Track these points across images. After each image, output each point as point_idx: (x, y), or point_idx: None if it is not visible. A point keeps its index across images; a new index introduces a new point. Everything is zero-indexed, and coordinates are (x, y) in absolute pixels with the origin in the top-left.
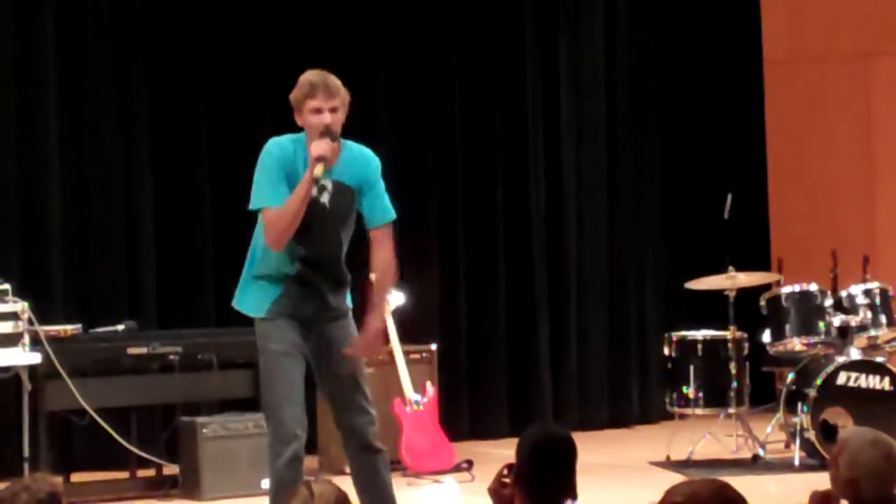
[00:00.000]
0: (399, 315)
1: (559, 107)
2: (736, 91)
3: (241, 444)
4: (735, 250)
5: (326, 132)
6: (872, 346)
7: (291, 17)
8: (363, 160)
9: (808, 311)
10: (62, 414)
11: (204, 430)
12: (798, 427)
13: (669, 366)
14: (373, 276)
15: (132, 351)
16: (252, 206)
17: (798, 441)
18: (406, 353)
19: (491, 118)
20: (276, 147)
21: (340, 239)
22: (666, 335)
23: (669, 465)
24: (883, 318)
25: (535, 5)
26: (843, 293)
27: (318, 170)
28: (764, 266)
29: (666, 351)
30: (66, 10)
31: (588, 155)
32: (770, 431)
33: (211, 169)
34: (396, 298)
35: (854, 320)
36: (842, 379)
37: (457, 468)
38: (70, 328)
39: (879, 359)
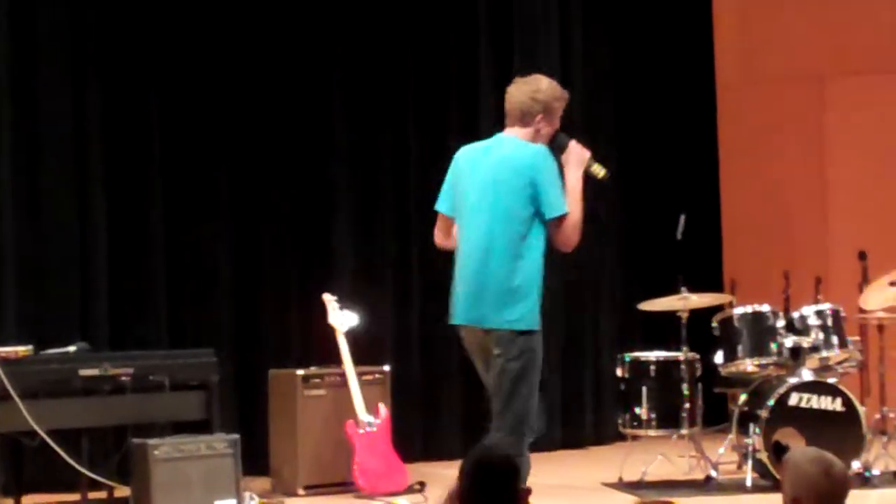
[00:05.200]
0: (352, 336)
1: None
2: (690, 113)
3: (194, 465)
4: (688, 271)
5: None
6: (824, 367)
7: (243, 34)
8: None
9: (760, 332)
10: (13, 436)
11: (156, 452)
12: (750, 448)
13: (623, 387)
14: None
15: (84, 372)
16: (562, 211)
17: (750, 462)
18: (359, 374)
19: (445, 138)
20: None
21: None
22: (619, 356)
23: (622, 486)
24: (835, 339)
25: (490, 30)
26: (796, 314)
27: (601, 169)
28: (717, 287)
29: (619, 372)
30: (18, 30)
31: None
32: (722, 452)
33: (164, 190)
34: (350, 320)
35: (806, 341)
36: (794, 400)
37: (410, 489)
38: (21, 349)
39: (831, 380)
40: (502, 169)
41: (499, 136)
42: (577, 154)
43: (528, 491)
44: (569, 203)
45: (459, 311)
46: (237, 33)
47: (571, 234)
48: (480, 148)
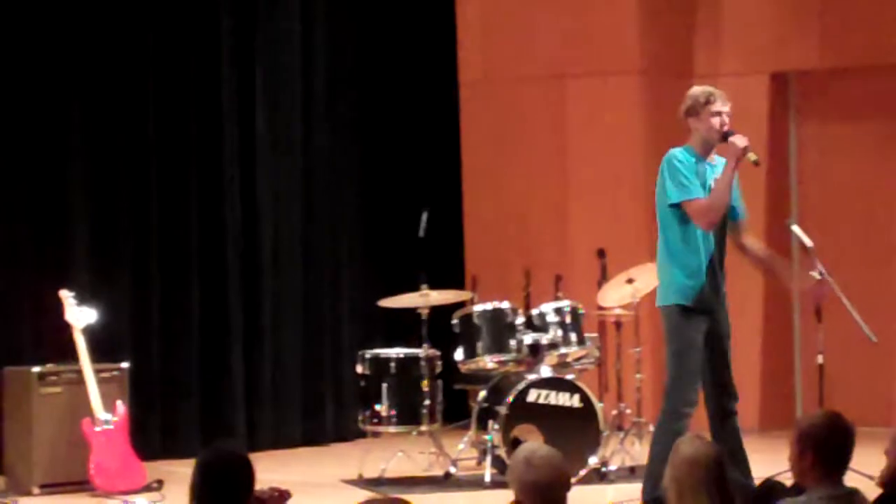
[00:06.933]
0: (89, 332)
1: (255, 121)
2: (433, 111)
3: None
4: (430, 268)
5: (728, 132)
6: (563, 364)
7: None
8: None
9: (499, 329)
10: None
11: None
12: (489, 444)
13: (363, 384)
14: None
15: None
16: (677, 199)
17: (489, 458)
18: (96, 371)
19: (186, 130)
20: (681, 154)
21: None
22: (360, 353)
23: (362, 483)
24: (573, 336)
25: (232, 27)
26: (535, 311)
27: (753, 156)
28: (458, 284)
29: (359, 369)
30: None
31: (285, 172)
32: (462, 449)
33: None
34: (87, 316)
35: (545, 338)
36: (532, 396)
37: (147, 488)
38: None
39: (569, 376)
40: None
41: None
42: (733, 146)
43: (286, 494)
44: (716, 188)
45: None
46: None
47: (698, 215)
48: None
